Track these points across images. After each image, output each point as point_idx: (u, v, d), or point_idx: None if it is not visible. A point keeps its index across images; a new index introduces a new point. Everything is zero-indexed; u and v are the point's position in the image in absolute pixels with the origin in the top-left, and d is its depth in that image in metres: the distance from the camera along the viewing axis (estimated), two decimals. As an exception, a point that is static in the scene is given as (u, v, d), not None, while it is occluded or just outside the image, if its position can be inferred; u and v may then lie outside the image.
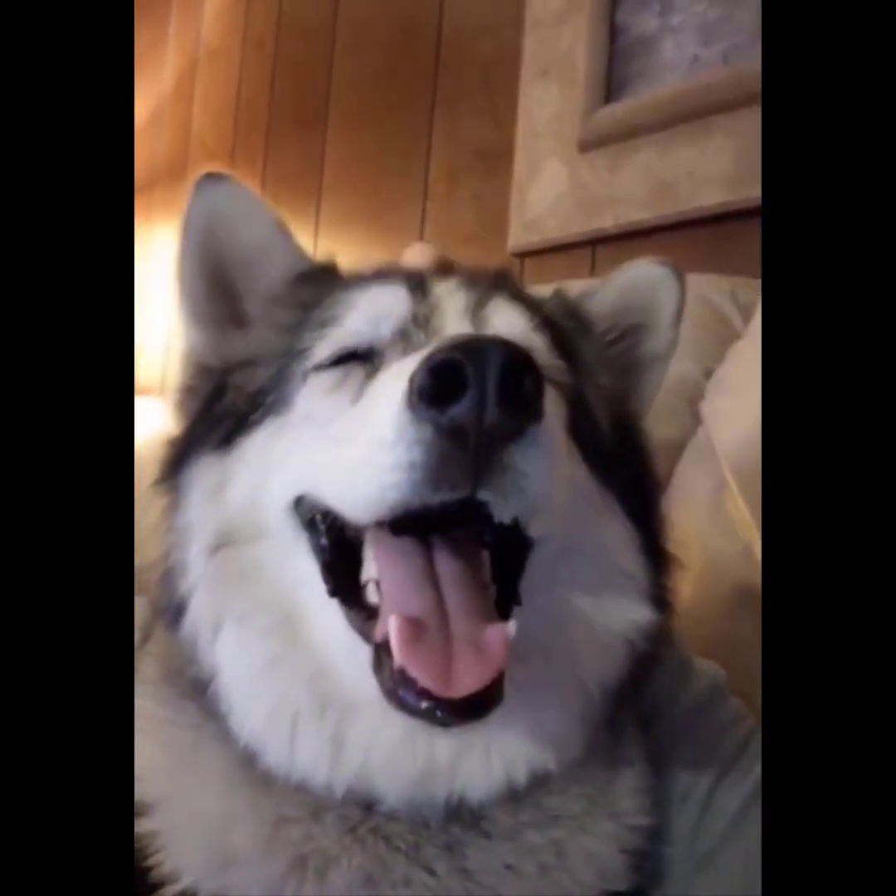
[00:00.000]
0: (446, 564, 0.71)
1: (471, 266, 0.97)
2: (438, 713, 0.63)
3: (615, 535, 0.82)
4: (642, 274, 0.96)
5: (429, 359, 0.63)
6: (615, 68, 1.98)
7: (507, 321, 0.83)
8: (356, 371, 0.79)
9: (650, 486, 0.90)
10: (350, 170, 2.65)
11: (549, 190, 2.05)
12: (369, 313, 0.83)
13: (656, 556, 0.84)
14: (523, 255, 2.15)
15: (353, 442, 0.69)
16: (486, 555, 0.72)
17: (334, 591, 0.74)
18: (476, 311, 0.83)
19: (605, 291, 0.96)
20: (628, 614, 0.80)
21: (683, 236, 1.84)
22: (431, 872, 0.75)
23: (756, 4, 1.75)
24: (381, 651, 0.67)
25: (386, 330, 0.81)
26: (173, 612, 0.82)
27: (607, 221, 1.92)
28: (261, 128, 2.97)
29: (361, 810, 0.76)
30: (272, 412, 0.82)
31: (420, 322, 0.80)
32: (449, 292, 0.85)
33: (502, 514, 0.65)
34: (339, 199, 2.68)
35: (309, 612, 0.76)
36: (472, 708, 0.64)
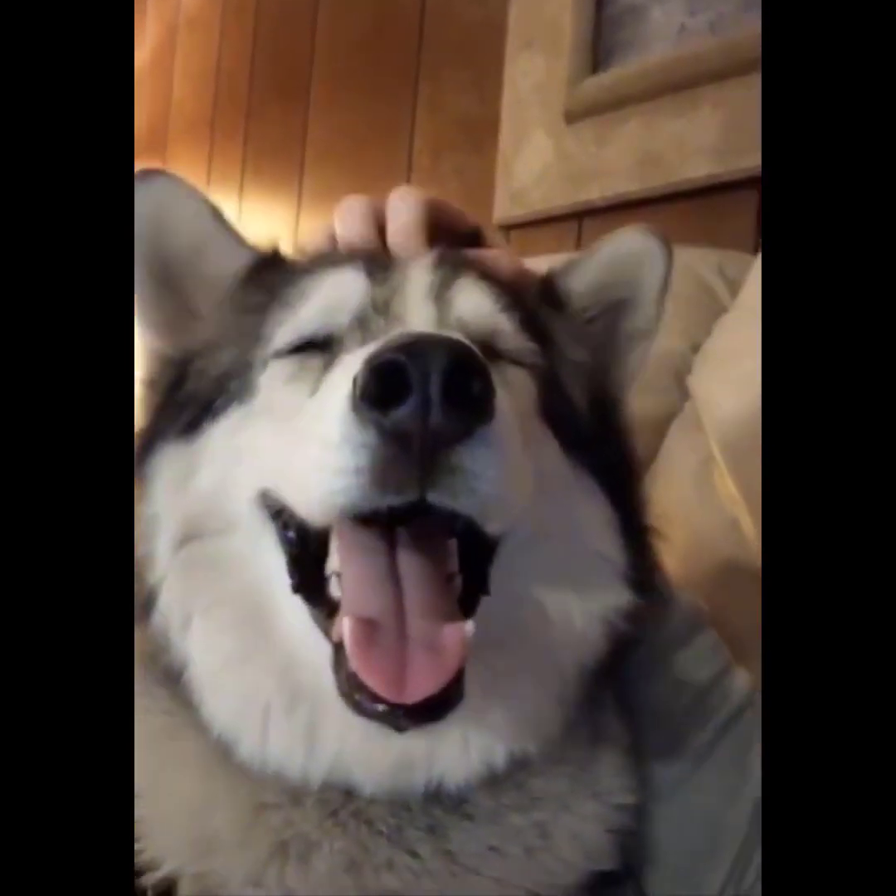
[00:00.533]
0: (409, 558, 0.69)
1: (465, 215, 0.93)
2: (394, 718, 0.62)
3: (592, 516, 0.81)
4: (627, 245, 0.94)
5: (370, 360, 0.61)
6: (602, 38, 1.95)
7: (473, 303, 0.80)
8: (314, 360, 0.77)
9: (630, 466, 0.88)
10: (333, 142, 2.61)
11: (535, 161, 2.02)
12: (325, 301, 0.80)
13: (637, 536, 0.83)
14: (509, 227, 2.13)
15: (305, 441, 0.68)
16: (453, 544, 0.71)
17: (297, 587, 0.72)
18: (441, 292, 0.80)
19: (587, 265, 0.94)
20: (606, 597, 0.79)
21: (671, 208, 1.82)
22: (415, 855, 0.74)
23: (744, -28, 1.72)
24: (339, 651, 0.65)
25: (342, 318, 0.78)
26: (143, 602, 0.81)
27: (594, 193, 1.90)
28: (242, 99, 2.92)
29: (342, 795, 0.75)
30: (236, 399, 0.80)
31: (379, 307, 0.78)
32: (413, 273, 0.82)
33: (456, 511, 0.64)
34: (322, 172, 2.64)
35: (277, 605, 0.75)
36: (429, 711, 0.63)
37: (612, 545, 0.80)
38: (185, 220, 0.89)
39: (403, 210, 0.86)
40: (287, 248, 0.93)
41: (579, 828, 0.79)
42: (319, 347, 0.77)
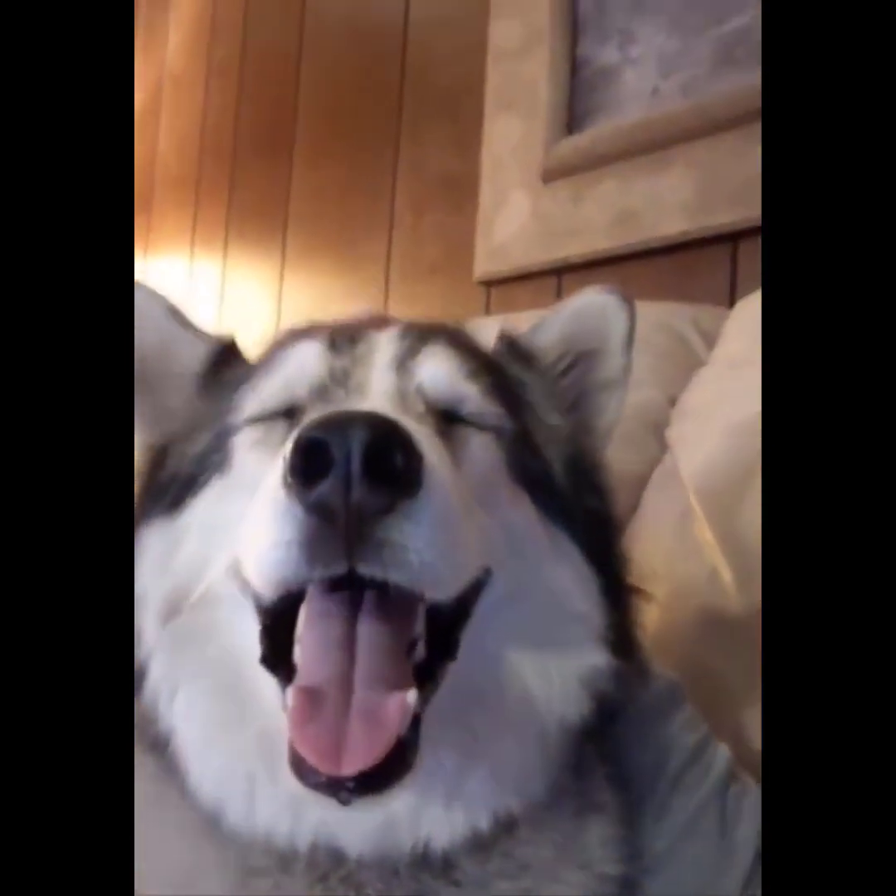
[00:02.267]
0: (370, 624, 0.70)
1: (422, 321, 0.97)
2: (334, 789, 0.63)
3: (569, 577, 0.81)
4: (588, 302, 0.96)
5: (296, 438, 0.63)
6: (577, 100, 2.01)
7: (435, 371, 0.82)
8: (279, 427, 0.79)
9: (609, 525, 0.89)
10: (316, 200, 2.66)
11: (514, 220, 2.07)
12: (285, 373, 0.83)
13: (616, 596, 0.83)
14: (489, 283, 2.17)
15: (250, 516, 0.69)
16: (421, 608, 0.71)
17: (264, 658, 0.73)
18: (404, 361, 0.82)
19: (551, 321, 0.96)
20: (585, 657, 0.79)
21: (646, 265, 1.86)
22: None
23: (712, 37, 1.78)
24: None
25: (302, 389, 0.81)
26: (134, 678, 0.81)
27: (571, 250, 1.94)
28: (226, 157, 2.97)
29: (330, 859, 0.75)
30: (215, 472, 0.82)
31: (338, 378, 0.80)
32: (378, 344, 0.84)
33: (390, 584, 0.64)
34: (305, 229, 2.68)
35: (255, 671, 0.75)
36: (370, 783, 0.63)
37: (590, 605, 0.80)
38: (151, 322, 0.92)
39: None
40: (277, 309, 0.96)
41: (565, 894, 0.78)
42: (284, 416, 0.79)
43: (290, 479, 0.63)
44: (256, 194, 2.84)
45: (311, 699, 0.66)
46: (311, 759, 0.63)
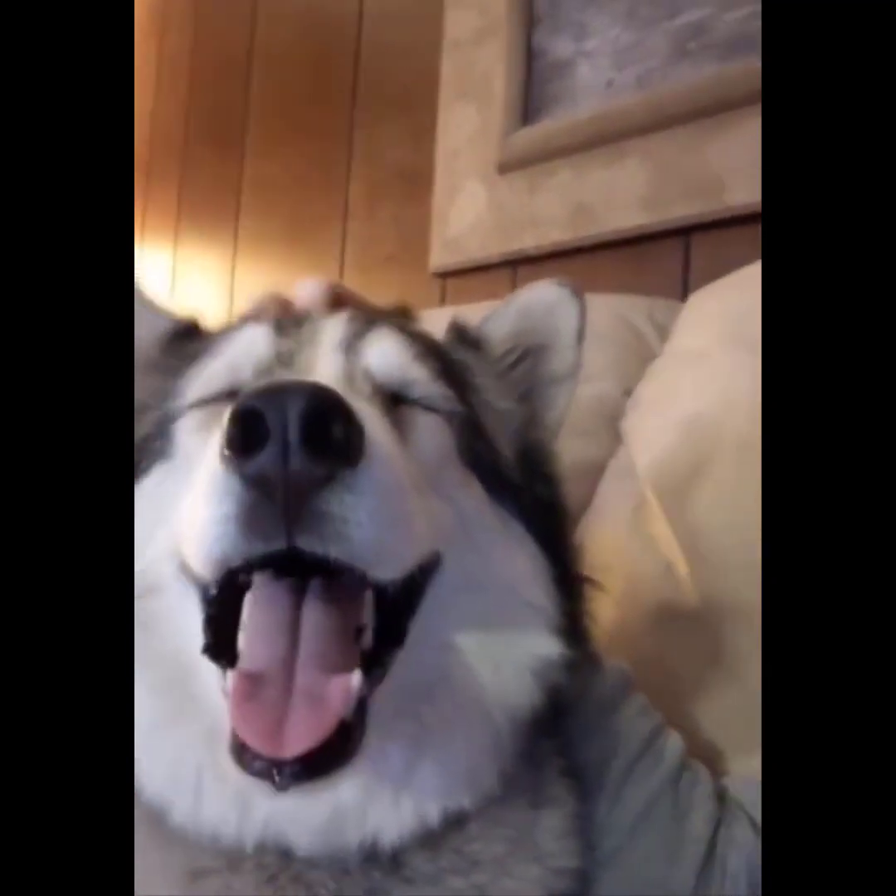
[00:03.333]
0: (314, 610, 0.68)
1: (368, 301, 0.96)
2: (273, 774, 0.61)
3: (520, 564, 0.80)
4: (538, 297, 0.96)
5: (232, 409, 0.61)
6: (532, 91, 2.00)
7: (383, 352, 0.81)
8: (220, 412, 0.78)
9: (561, 515, 0.88)
10: (269, 190, 2.62)
11: (469, 210, 2.05)
12: (230, 355, 0.82)
13: (568, 585, 0.82)
14: (444, 275, 2.16)
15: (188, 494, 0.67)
16: (368, 596, 0.69)
17: (207, 647, 0.70)
18: (351, 343, 0.81)
19: (502, 314, 0.96)
20: (535, 646, 0.78)
21: (601, 257, 1.86)
22: None
23: (668, 29, 1.78)
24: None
25: (246, 371, 0.79)
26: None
27: (527, 242, 1.93)
28: (177, 147, 2.92)
29: (279, 858, 0.73)
30: (159, 458, 0.80)
31: (284, 360, 0.79)
32: (324, 327, 0.83)
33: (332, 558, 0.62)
34: (257, 219, 2.65)
35: (199, 664, 0.73)
36: (310, 768, 0.61)
37: (541, 594, 0.80)
38: None
39: (308, 288, 0.93)
40: (228, 300, 0.95)
41: (520, 891, 0.77)
42: (228, 399, 0.78)
43: (226, 451, 0.61)
44: (208, 185, 2.80)
45: (253, 683, 0.65)
46: (251, 740, 0.61)
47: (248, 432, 0.60)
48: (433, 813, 0.73)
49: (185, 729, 0.74)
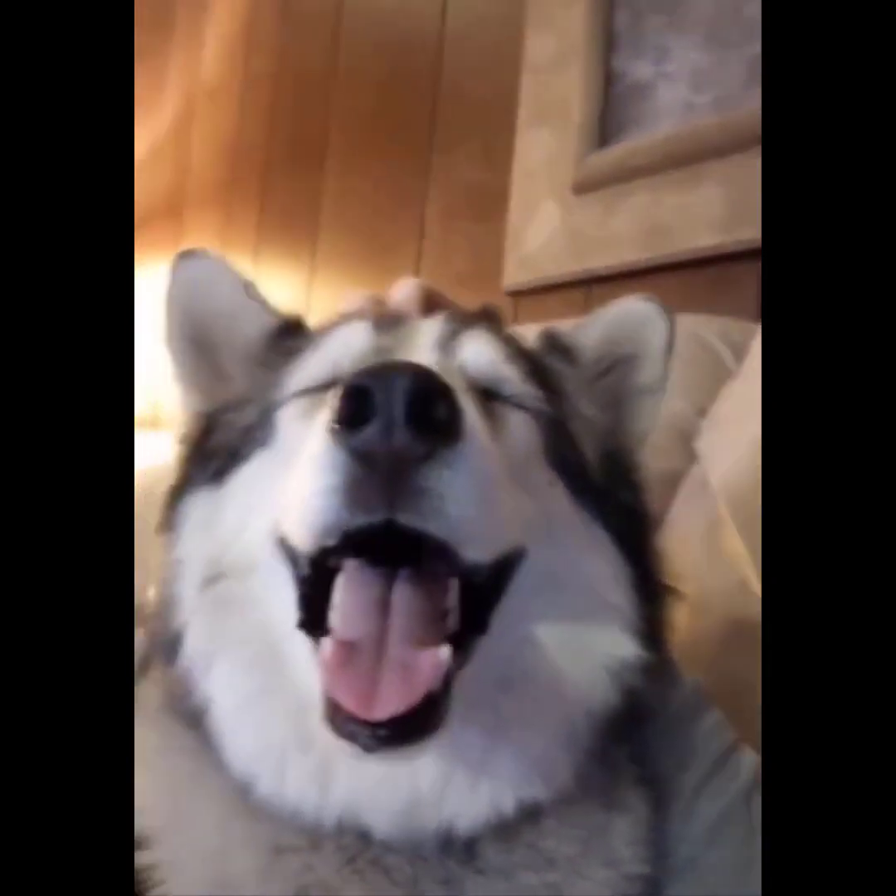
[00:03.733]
0: (403, 592, 0.71)
1: (459, 304, 1.00)
2: (365, 737, 0.64)
3: (602, 566, 0.82)
4: (628, 310, 0.98)
5: (342, 385, 0.65)
6: (610, 113, 2.03)
7: (477, 351, 0.84)
8: (322, 400, 0.81)
9: (643, 520, 0.89)
10: (347, 209, 2.68)
11: (544, 230, 2.08)
12: (332, 350, 0.86)
13: (648, 590, 0.84)
14: (517, 294, 2.18)
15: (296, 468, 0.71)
16: (453, 583, 0.72)
17: (301, 623, 0.74)
18: (446, 342, 0.84)
19: (593, 323, 0.98)
20: (614, 647, 0.79)
21: (676, 278, 1.87)
22: None
23: (746, 54, 1.80)
24: (322, 676, 0.68)
25: (347, 364, 0.83)
26: (169, 645, 0.83)
27: (601, 262, 1.95)
28: (258, 166, 3.00)
29: (359, 842, 0.76)
30: (259, 445, 0.84)
31: (382, 355, 0.81)
32: (421, 327, 0.87)
33: (428, 534, 0.65)
34: (335, 238, 2.71)
35: (290, 643, 0.76)
36: (399, 733, 0.64)
37: (621, 596, 0.81)
38: (221, 293, 0.96)
39: (404, 289, 0.96)
40: (306, 317, 1.00)
41: (592, 893, 0.78)
42: (329, 390, 0.81)
43: (335, 426, 0.64)
44: (288, 203, 2.87)
45: (347, 651, 0.67)
46: (345, 702, 0.64)
47: (356, 408, 0.63)
48: (508, 802, 0.75)
49: (271, 705, 0.77)
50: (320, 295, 2.71)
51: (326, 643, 0.68)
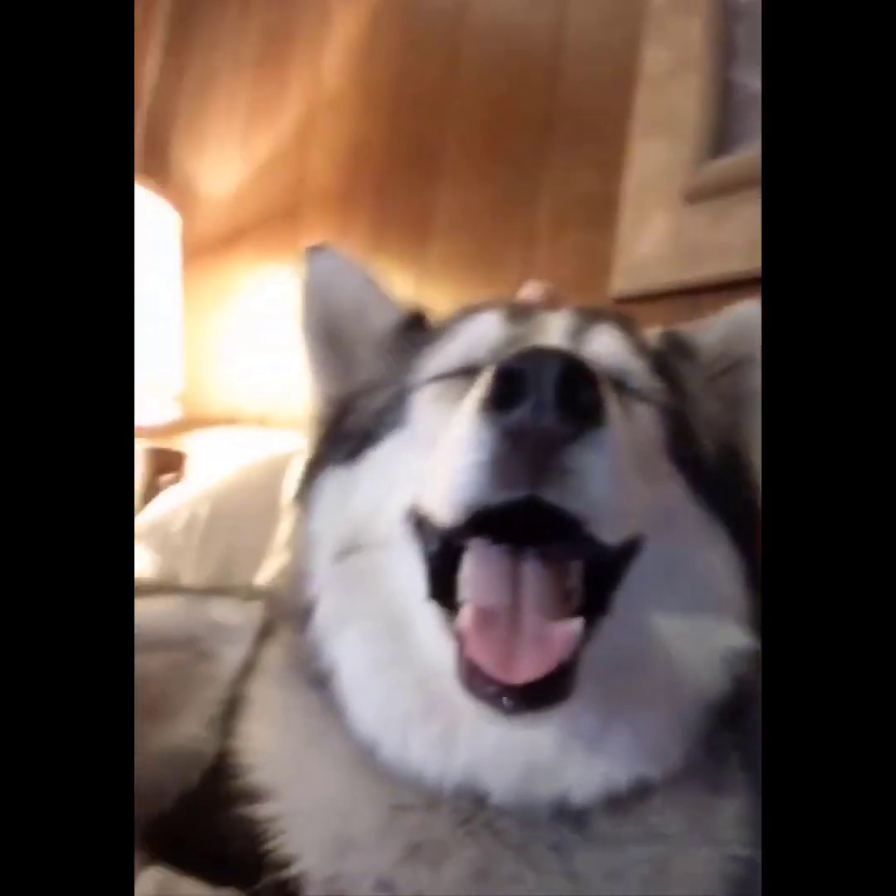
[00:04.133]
0: (531, 568, 0.75)
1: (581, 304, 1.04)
2: (503, 699, 0.68)
3: (718, 560, 0.85)
4: (747, 313, 1.01)
5: (495, 368, 0.69)
6: (725, 124, 2.03)
7: (606, 343, 0.88)
8: (458, 384, 0.86)
9: (755, 517, 0.92)
10: (459, 217, 2.74)
11: (654, 239, 2.10)
12: (467, 338, 0.91)
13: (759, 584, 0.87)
14: (625, 301, 2.20)
15: (443, 448, 0.75)
16: (577, 564, 0.76)
17: (432, 594, 0.79)
18: (577, 333, 0.88)
19: (711, 327, 1.01)
20: (726, 638, 0.83)
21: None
22: (540, 871, 0.78)
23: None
24: (460, 641, 0.72)
25: (481, 351, 0.88)
26: (300, 613, 0.88)
27: (711, 270, 1.95)
28: (374, 174, 3.08)
29: (473, 805, 0.80)
30: (393, 427, 0.90)
31: (516, 344, 0.85)
32: (551, 319, 0.92)
33: (567, 513, 0.69)
34: (447, 245, 2.77)
35: (416, 615, 0.81)
36: (534, 696, 0.68)
37: (736, 589, 0.84)
38: (349, 287, 1.03)
39: (533, 290, 1.00)
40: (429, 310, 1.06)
41: (695, 870, 0.81)
42: (464, 375, 0.86)
43: (486, 405, 0.68)
44: (402, 211, 2.94)
45: (485, 618, 0.72)
46: (486, 666, 0.69)
47: (507, 390, 0.68)
48: (621, 778, 0.79)
49: (397, 674, 0.82)
50: (430, 300, 2.76)
51: (465, 611, 0.72)
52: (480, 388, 0.70)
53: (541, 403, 0.66)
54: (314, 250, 1.04)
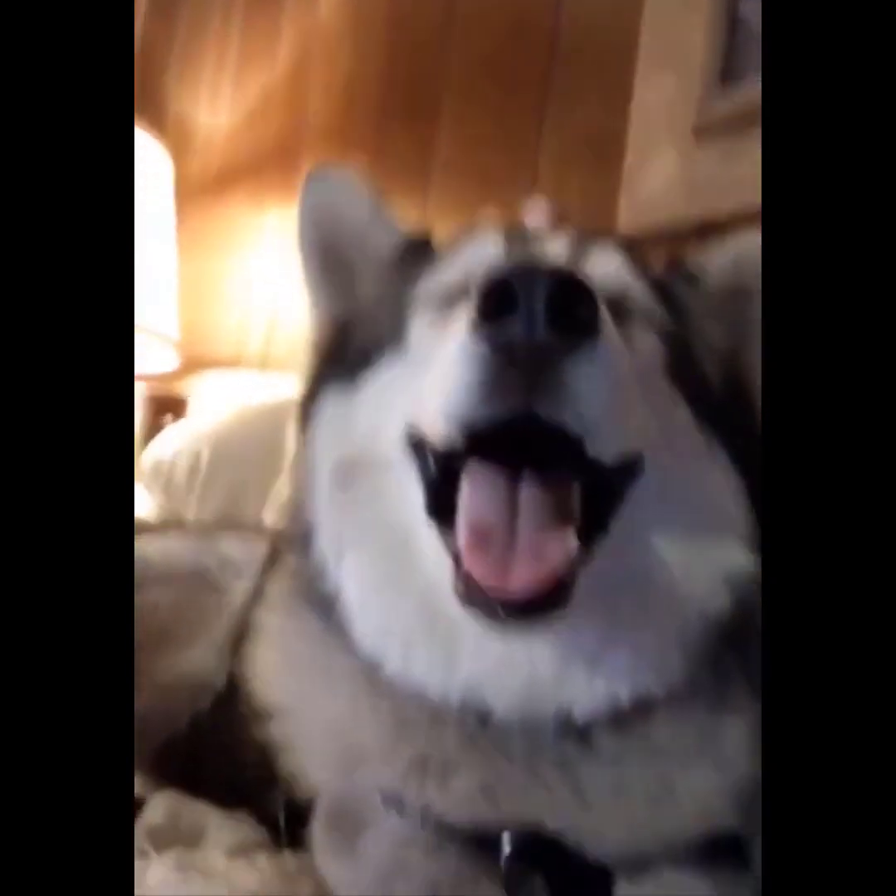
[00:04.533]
0: (529, 489, 0.75)
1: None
2: (500, 610, 0.68)
3: (719, 480, 0.85)
4: (754, 243, 1.00)
5: (483, 281, 0.68)
6: (732, 58, 2.00)
7: (604, 265, 0.87)
8: (456, 308, 0.85)
9: (757, 441, 0.92)
10: (460, 155, 2.70)
11: (661, 175, 2.07)
12: (465, 259, 0.89)
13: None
14: (632, 240, 2.18)
15: (436, 367, 0.74)
16: (576, 486, 0.76)
17: (431, 509, 0.79)
18: (574, 254, 0.87)
19: (718, 255, 1.00)
20: (728, 555, 0.83)
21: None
22: (546, 786, 0.79)
23: None
24: (457, 558, 0.73)
25: (479, 274, 0.86)
26: (303, 537, 0.89)
27: (719, 205, 1.93)
28: (373, 112, 3.04)
29: (479, 721, 0.81)
30: (391, 351, 0.89)
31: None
32: (550, 240, 0.90)
33: (564, 428, 0.68)
34: (448, 184, 2.73)
35: (417, 535, 0.82)
36: (529, 606, 0.69)
37: (737, 508, 0.84)
38: (352, 209, 1.01)
39: (537, 206, 0.99)
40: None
41: (700, 786, 0.82)
42: (459, 298, 0.85)
43: (477, 320, 0.67)
44: (401, 149, 2.90)
45: (481, 534, 0.72)
46: (482, 576, 0.69)
47: (497, 303, 0.67)
48: (623, 693, 0.79)
49: (399, 591, 0.82)
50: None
51: (462, 527, 0.72)
52: (471, 303, 0.69)
53: (532, 316, 0.65)
54: (316, 173, 1.02)
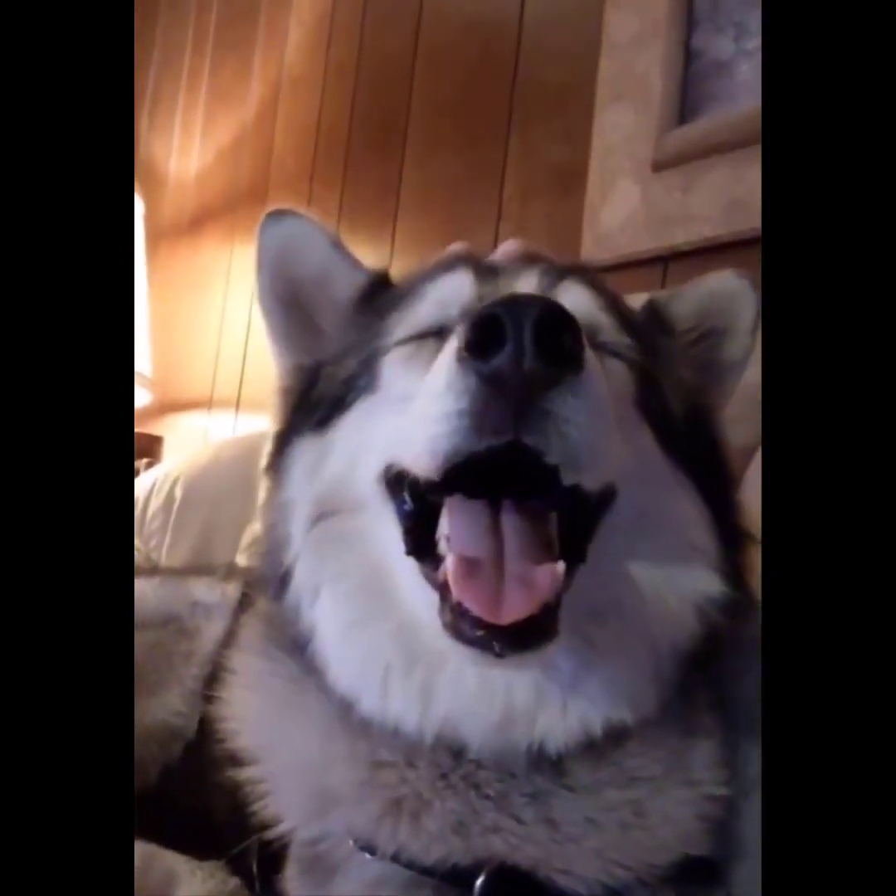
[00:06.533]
0: (511, 520, 0.76)
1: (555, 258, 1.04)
2: (492, 642, 0.69)
3: (687, 510, 0.86)
4: (720, 283, 1.02)
5: (473, 316, 0.69)
6: (689, 90, 2.04)
7: (575, 299, 0.88)
8: (429, 344, 0.86)
9: (723, 473, 0.94)
10: (426, 192, 2.74)
11: (622, 208, 2.10)
12: (437, 297, 0.90)
13: (729, 534, 0.88)
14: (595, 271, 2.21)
15: (419, 402, 0.75)
16: (553, 516, 0.77)
17: (410, 551, 0.79)
18: (546, 290, 0.88)
19: (687, 294, 1.02)
20: (699, 584, 0.84)
21: (754, 252, 1.87)
22: (519, 821, 0.79)
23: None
24: (444, 590, 0.73)
25: (453, 310, 0.88)
26: (279, 581, 0.89)
27: (679, 238, 1.96)
28: (340, 152, 3.08)
29: (452, 758, 0.81)
30: (363, 392, 0.90)
31: (486, 301, 0.85)
32: (520, 275, 0.91)
33: (549, 458, 0.69)
34: (414, 221, 2.77)
35: (394, 572, 0.82)
36: (522, 637, 0.69)
37: (705, 538, 0.85)
38: (312, 252, 1.01)
39: (509, 247, 1.03)
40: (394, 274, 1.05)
41: (673, 811, 0.82)
42: (435, 336, 0.86)
43: (465, 352, 0.69)
44: (368, 188, 2.94)
45: (470, 565, 0.73)
46: (474, 608, 0.69)
47: (486, 336, 0.68)
48: (597, 723, 0.80)
49: (376, 629, 0.83)
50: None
51: (449, 560, 0.73)
52: (459, 337, 0.70)
53: (521, 348, 0.66)
54: (274, 215, 1.02)
